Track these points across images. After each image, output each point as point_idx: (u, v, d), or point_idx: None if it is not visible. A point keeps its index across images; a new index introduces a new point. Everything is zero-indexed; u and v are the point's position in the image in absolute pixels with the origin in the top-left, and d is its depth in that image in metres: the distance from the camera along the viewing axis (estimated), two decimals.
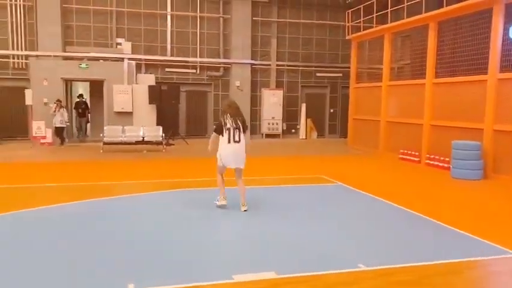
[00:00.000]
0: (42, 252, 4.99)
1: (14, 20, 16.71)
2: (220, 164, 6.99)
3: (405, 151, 13.03)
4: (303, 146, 17.25)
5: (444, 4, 11.73)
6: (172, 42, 18.39)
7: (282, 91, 19.62)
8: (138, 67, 17.77)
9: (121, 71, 16.36)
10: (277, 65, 19.74)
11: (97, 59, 16.84)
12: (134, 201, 7.64)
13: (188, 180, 9.31)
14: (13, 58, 16.95)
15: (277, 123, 19.57)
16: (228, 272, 4.37)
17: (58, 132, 15.10)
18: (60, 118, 14.93)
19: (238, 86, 18.98)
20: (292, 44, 19.93)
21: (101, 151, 13.78)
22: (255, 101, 19.52)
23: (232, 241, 5.64)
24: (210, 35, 18.88)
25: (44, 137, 15.15)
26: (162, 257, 4.87)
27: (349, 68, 17.32)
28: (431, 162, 11.85)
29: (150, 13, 18.09)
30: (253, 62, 19.22)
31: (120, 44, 17.38)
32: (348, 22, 16.99)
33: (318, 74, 20.32)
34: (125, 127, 14.71)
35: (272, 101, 19.37)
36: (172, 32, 18.37)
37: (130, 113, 16.25)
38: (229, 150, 6.88)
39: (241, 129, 6.93)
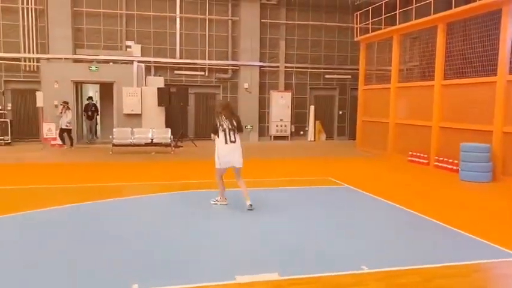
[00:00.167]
0: (50, 251, 5.06)
1: (25, 23, 16.95)
2: (218, 167, 7.07)
3: (414, 153, 12.95)
4: (311, 148, 17.23)
5: (453, 5, 11.66)
6: (181, 45, 18.51)
7: (290, 93, 19.61)
8: (147, 69, 17.90)
9: (131, 73, 16.49)
10: (285, 67, 19.75)
11: (106, 61, 17.02)
12: (142, 203, 7.72)
13: (196, 182, 9.35)
14: (25, 61, 17.17)
15: (285, 125, 19.57)
16: (230, 273, 4.39)
17: (63, 133, 15.05)
18: (66, 120, 14.99)
19: (246, 88, 19.03)
20: (301, 46, 19.93)
21: (111, 153, 13.91)
22: (264, 103, 19.55)
23: (235, 242, 5.65)
24: (218, 37, 18.96)
25: (55, 139, 15.29)
26: (166, 257, 4.92)
27: (358, 69, 17.27)
28: (440, 164, 11.77)
29: (159, 16, 18.23)
30: (261, 64, 19.25)
31: (130, 46, 17.53)
32: (357, 24, 16.95)
33: (326, 76, 20.29)
34: (134, 129, 14.84)
35: (280, 103, 19.38)
36: (181, 34, 18.48)
37: (139, 115, 16.37)
38: (227, 150, 6.98)
39: (236, 130, 7.03)
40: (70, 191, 8.48)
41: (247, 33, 18.84)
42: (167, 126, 16.11)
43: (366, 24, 16.61)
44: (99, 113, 18.17)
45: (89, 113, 17.41)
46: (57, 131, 15.13)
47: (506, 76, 10.17)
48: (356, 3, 19.11)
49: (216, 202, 7.30)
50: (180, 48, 18.50)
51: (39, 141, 16.05)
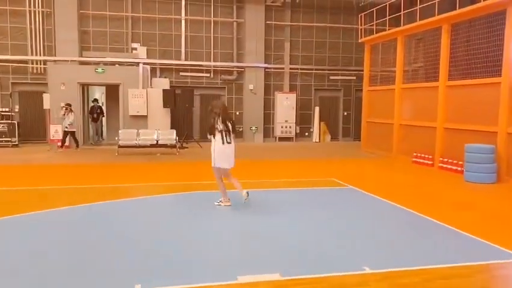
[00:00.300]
0: (55, 251, 5.14)
1: (32, 26, 17.14)
2: (218, 166, 7.21)
3: (419, 154, 12.94)
4: (316, 149, 17.25)
5: (458, 6, 11.66)
6: (186, 47, 18.62)
7: (295, 94, 19.66)
8: (153, 71, 18.03)
9: (136, 75, 16.62)
10: (290, 69, 19.80)
11: (112, 63, 17.17)
12: (146, 203, 7.79)
13: (200, 183, 9.41)
14: (32, 63, 17.37)
15: (290, 127, 19.61)
16: (232, 273, 4.44)
17: (66, 135, 15.05)
18: (69, 122, 14.96)
19: (251, 90, 19.10)
20: (306, 47, 19.97)
21: (117, 154, 14.02)
22: (269, 105, 19.61)
23: (237, 242, 5.70)
24: (223, 39, 19.05)
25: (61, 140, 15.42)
26: (169, 258, 4.98)
27: (362, 71, 17.27)
28: (444, 165, 11.75)
29: (165, 18, 18.34)
30: (266, 65, 19.31)
31: (135, 48, 17.66)
32: (361, 25, 16.96)
33: (331, 77, 20.32)
34: (139, 130, 14.95)
35: (285, 104, 19.42)
36: (186, 36, 18.59)
37: (145, 117, 16.49)
38: (223, 151, 7.13)
39: (231, 131, 7.18)
40: (75, 192, 8.56)
41: (252, 35, 18.92)
42: (172, 127, 16.23)
43: (370, 26, 16.62)
44: (104, 115, 18.29)
45: (95, 115, 17.53)
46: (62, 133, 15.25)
47: (510, 77, 10.14)
48: (360, 5, 19.14)
49: (220, 203, 7.36)
50: (185, 50, 18.61)
51: (46, 143, 16.22)
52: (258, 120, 19.31)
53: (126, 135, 14.67)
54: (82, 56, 17.35)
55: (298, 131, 19.93)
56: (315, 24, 19.86)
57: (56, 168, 11.74)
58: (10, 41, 17.10)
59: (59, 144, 15.03)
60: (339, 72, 20.29)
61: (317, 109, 20.13)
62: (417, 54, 15.75)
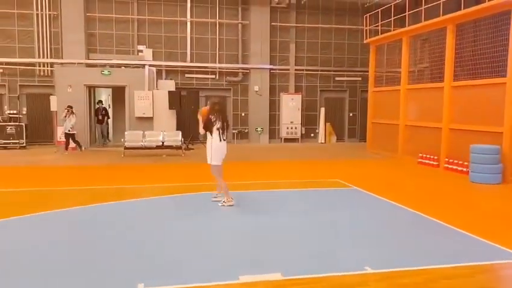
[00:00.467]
0: (60, 250, 5.21)
1: (39, 29, 17.32)
2: (219, 163, 7.37)
3: (424, 155, 12.90)
4: (322, 150, 17.25)
5: (462, 6, 11.62)
6: (191, 49, 18.70)
7: (300, 95, 19.68)
8: (159, 73, 18.14)
9: (142, 77, 16.72)
10: (295, 70, 19.82)
11: (119, 65, 17.31)
12: (152, 204, 7.85)
13: (204, 184, 9.43)
14: (39, 66, 17.54)
15: (296, 128, 19.62)
16: (234, 273, 4.47)
17: (68, 138, 15.05)
18: (70, 124, 14.96)
19: (257, 91, 19.15)
20: (311, 48, 19.98)
21: (123, 156, 14.12)
22: (274, 106, 19.64)
23: (239, 242, 5.72)
24: (228, 40, 19.12)
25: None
26: (171, 257, 5.03)
27: (368, 71, 17.25)
28: (450, 166, 11.71)
29: (170, 20, 18.45)
30: (271, 66, 19.36)
31: (141, 50, 17.80)
32: (367, 26, 16.95)
33: (337, 78, 20.31)
34: (145, 132, 15.05)
35: (291, 106, 19.44)
36: (191, 38, 18.68)
37: (151, 118, 16.59)
38: (220, 148, 7.35)
39: (226, 130, 7.43)
40: (81, 193, 8.63)
41: (257, 37, 18.97)
42: (178, 129, 16.31)
43: (375, 26, 16.60)
44: (110, 116, 18.41)
45: (100, 117, 17.65)
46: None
47: None
48: (365, 6, 19.12)
49: (224, 204, 7.40)
50: (191, 52, 18.70)
51: (53, 145, 16.37)
52: (264, 122, 19.35)
53: (132, 137, 14.76)
54: (88, 59, 17.51)
55: (303, 132, 19.94)
56: (320, 25, 19.86)
57: (62, 169, 11.85)
58: (18, 44, 17.30)
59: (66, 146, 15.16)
60: (345, 73, 20.28)
61: (323, 110, 20.13)
62: (422, 55, 15.72)
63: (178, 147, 14.77)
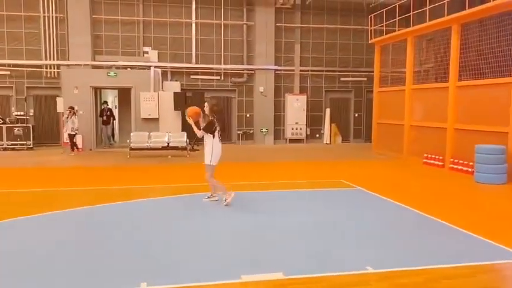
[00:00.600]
0: (65, 250, 5.28)
1: (46, 31, 17.49)
2: (214, 164, 7.49)
3: (429, 155, 12.87)
4: (327, 151, 17.25)
5: (467, 6, 11.59)
6: (196, 50, 18.79)
7: (305, 96, 19.69)
8: (164, 74, 18.24)
9: (148, 78, 16.81)
10: (300, 70, 19.83)
11: (124, 67, 17.43)
12: (157, 205, 7.91)
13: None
14: (46, 68, 17.70)
15: (301, 128, 19.63)
16: (236, 272, 4.51)
17: (72, 139, 15.10)
18: (72, 125, 14.97)
19: (262, 92, 19.19)
20: (316, 49, 19.99)
21: (128, 156, 14.21)
22: (279, 106, 19.67)
23: (242, 242, 5.76)
24: (233, 42, 19.18)
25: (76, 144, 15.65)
26: (173, 257, 5.08)
27: (373, 72, 17.23)
28: (455, 166, 11.68)
29: (175, 22, 18.55)
30: (276, 67, 19.39)
31: (147, 52, 17.93)
32: (372, 26, 16.94)
33: (342, 79, 20.30)
34: (151, 133, 15.14)
35: (296, 106, 19.46)
36: (196, 39, 18.76)
37: (156, 119, 16.67)
38: (220, 149, 7.50)
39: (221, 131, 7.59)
40: (86, 193, 8.71)
41: (262, 38, 19.01)
42: (183, 130, 16.34)
43: (380, 27, 16.59)
44: (115, 117, 18.52)
45: (105, 118, 17.76)
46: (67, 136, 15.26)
47: None
48: (370, 6, 19.09)
49: (227, 201, 7.44)
50: (196, 53, 18.78)
51: (60, 146, 16.51)
52: (269, 122, 19.38)
53: (138, 138, 14.86)
54: (94, 60, 17.64)
55: (308, 133, 19.94)
56: (325, 25, 19.87)
57: (69, 170, 11.95)
58: (25, 46, 17.47)
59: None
60: (350, 73, 20.26)
61: (328, 111, 20.12)
62: (427, 55, 15.67)
63: (184, 148, 14.84)
